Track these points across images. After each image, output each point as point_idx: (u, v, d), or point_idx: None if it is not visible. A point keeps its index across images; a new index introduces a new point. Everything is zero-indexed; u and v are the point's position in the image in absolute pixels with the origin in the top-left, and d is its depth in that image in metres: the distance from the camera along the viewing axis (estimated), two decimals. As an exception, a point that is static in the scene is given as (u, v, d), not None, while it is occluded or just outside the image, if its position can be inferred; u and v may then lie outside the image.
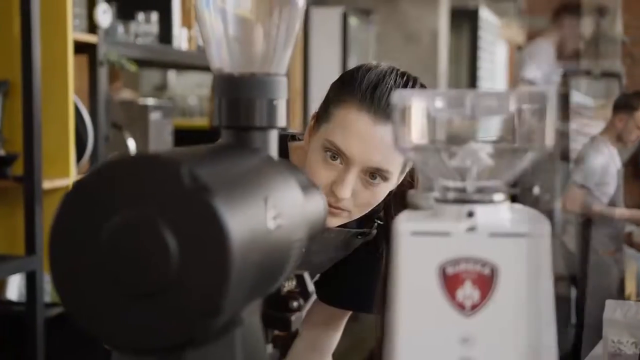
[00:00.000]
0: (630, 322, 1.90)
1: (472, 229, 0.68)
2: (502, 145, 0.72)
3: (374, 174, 1.26)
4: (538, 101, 0.69)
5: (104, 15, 2.70)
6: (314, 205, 0.85)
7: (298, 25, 0.85)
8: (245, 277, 0.65)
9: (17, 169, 2.48)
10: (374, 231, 1.43)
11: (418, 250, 0.69)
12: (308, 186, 0.87)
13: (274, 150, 0.83)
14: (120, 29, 3.02)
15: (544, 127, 0.70)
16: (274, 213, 0.72)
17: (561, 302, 4.39)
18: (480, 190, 0.71)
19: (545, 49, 4.39)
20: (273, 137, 0.83)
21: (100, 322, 0.63)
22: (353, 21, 5.15)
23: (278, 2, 0.84)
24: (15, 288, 2.68)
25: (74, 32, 2.63)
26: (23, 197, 2.41)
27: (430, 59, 5.67)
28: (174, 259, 0.61)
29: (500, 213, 0.70)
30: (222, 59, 0.84)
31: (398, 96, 0.71)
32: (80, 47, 2.70)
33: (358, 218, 1.33)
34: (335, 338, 1.60)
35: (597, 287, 4.22)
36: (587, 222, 4.37)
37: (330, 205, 1.25)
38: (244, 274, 0.65)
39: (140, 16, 3.09)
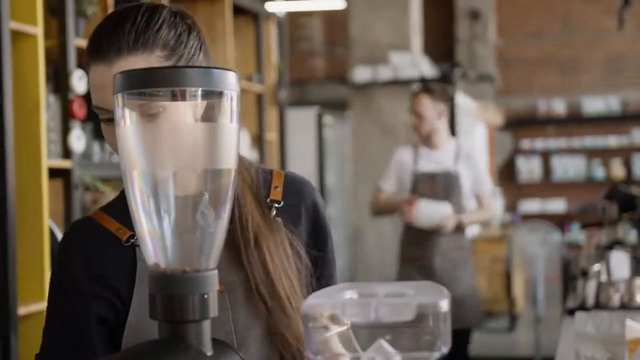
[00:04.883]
0: (604, 336, 1.75)
1: None
2: (407, 346, 0.78)
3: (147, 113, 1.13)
4: (437, 308, 0.76)
5: (78, 141, 2.79)
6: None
7: (226, 223, 0.92)
8: None
9: (-7, 295, 2.53)
10: None
11: None
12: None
13: (207, 339, 0.89)
14: (97, 147, 3.11)
15: (445, 331, 0.76)
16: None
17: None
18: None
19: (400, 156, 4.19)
20: (206, 327, 0.90)
21: None
22: (328, 119, 5.28)
23: (207, 206, 0.91)
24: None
25: (49, 159, 2.71)
26: (-2, 326, 2.46)
27: (407, 150, 5.77)
28: None
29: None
30: (157, 255, 0.91)
31: (308, 305, 0.78)
32: (55, 172, 2.78)
33: None
34: None
35: None
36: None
37: None
38: None
39: (115, 134, 3.18)
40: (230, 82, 0.90)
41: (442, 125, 4.08)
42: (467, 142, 4.16)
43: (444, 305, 0.76)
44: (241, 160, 1.31)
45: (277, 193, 1.32)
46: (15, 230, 2.55)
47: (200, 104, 0.89)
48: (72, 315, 1.26)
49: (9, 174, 2.52)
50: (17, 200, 2.57)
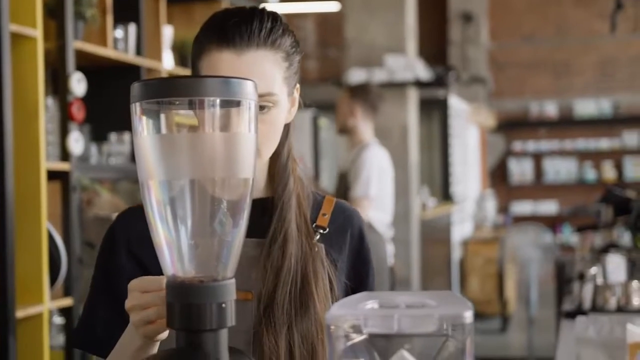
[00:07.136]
0: (605, 340, 1.75)
1: None
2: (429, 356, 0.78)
3: (261, 104, 1.20)
4: (460, 319, 0.76)
5: (76, 143, 2.78)
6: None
7: (243, 232, 0.92)
8: None
9: (-9, 298, 2.51)
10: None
11: None
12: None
13: (223, 348, 0.89)
14: (94, 150, 3.11)
15: (468, 342, 0.77)
16: None
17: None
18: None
19: None
20: (223, 335, 0.90)
21: None
22: (323, 122, 5.28)
23: (225, 214, 0.91)
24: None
25: (48, 161, 2.70)
26: (-3, 328, 2.44)
27: (402, 153, 5.79)
28: None
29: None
30: (174, 264, 0.91)
31: (331, 316, 0.78)
32: (54, 174, 2.77)
33: None
34: None
35: None
36: None
37: None
38: None
39: (113, 137, 3.18)
40: (249, 92, 0.90)
41: (359, 125, 4.10)
42: (379, 149, 4.01)
43: (468, 316, 0.76)
44: (299, 182, 1.33)
45: (324, 220, 1.33)
46: (14, 232, 2.53)
47: (218, 112, 0.89)
48: (113, 287, 1.27)
49: (7, 177, 2.51)
50: (16, 203, 2.56)
